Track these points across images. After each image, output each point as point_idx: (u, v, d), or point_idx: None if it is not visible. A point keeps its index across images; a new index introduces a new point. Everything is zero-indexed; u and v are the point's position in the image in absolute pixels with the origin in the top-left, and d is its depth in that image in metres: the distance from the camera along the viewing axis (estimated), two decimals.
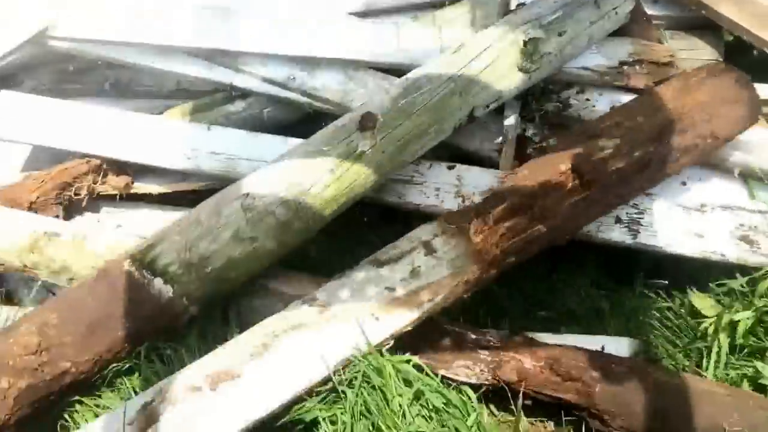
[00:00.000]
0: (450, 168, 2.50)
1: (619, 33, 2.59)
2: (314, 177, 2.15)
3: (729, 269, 2.34)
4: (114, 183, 2.57)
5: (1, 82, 2.75)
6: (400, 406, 1.89)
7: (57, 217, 2.52)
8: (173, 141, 2.51)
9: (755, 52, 2.73)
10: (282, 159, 2.19)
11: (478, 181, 2.45)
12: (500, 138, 2.51)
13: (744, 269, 2.31)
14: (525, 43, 2.32)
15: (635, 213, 2.41)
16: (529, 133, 2.55)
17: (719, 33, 2.80)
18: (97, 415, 1.97)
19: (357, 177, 2.19)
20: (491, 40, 2.35)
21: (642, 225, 2.40)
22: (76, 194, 2.54)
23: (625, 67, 2.53)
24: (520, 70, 2.36)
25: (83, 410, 2.01)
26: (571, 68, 2.52)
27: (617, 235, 2.39)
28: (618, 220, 2.41)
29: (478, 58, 2.32)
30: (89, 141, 2.52)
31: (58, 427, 2.01)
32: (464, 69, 2.29)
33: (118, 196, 2.59)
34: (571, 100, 2.56)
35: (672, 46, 2.65)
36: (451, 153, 2.60)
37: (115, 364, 2.05)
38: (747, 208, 2.40)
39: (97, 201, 2.61)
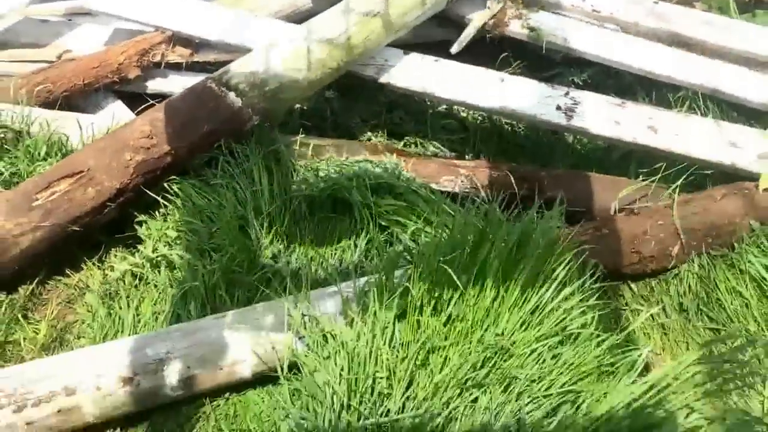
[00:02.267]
0: None
1: None
2: (343, 28, 2.94)
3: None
4: (180, 53, 3.34)
5: None
6: None
7: (137, 77, 3.28)
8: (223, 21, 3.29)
9: None
10: (320, 15, 2.97)
11: None
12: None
13: None
14: None
15: (571, 103, 3.13)
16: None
17: None
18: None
19: (371, 31, 2.99)
20: None
21: (575, 112, 3.11)
22: (152, 60, 3.30)
23: None
24: None
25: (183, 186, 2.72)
26: None
27: (556, 117, 3.10)
28: (558, 108, 3.12)
29: None
30: (163, 16, 3.28)
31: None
32: None
33: (183, 64, 3.34)
34: None
35: None
36: None
37: (200, 155, 2.77)
38: None
39: (165, 69, 3.37)
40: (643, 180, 2.84)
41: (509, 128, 3.55)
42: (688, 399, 1.85)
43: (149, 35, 3.32)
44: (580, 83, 3.45)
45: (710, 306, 2.60)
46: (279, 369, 2.00)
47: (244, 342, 2.12)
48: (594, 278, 2.23)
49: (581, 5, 3.40)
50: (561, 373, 1.90)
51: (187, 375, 2.07)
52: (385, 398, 1.79)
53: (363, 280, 2.19)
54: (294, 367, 2.06)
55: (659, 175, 2.81)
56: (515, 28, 3.32)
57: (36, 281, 2.59)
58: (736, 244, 2.72)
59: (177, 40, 3.34)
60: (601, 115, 3.05)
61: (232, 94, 2.79)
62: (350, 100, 3.60)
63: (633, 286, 2.74)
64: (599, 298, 2.20)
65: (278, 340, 2.08)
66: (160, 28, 3.30)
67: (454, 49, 3.29)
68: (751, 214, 2.76)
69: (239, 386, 2.22)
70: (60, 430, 2.01)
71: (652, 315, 2.57)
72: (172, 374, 2.06)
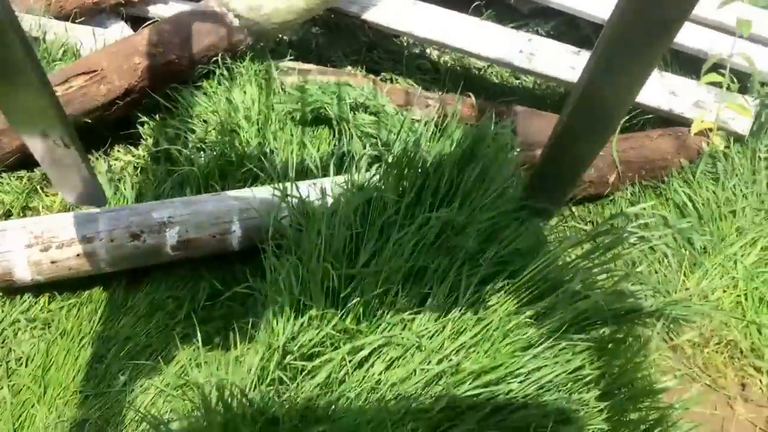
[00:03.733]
0: None
1: None
2: None
3: None
4: None
5: None
6: None
7: (140, 2, 3.62)
8: None
9: None
10: None
11: None
12: None
13: None
14: None
15: (533, 48, 3.54)
16: None
17: None
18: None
19: None
20: None
21: (536, 56, 3.52)
22: None
23: None
24: None
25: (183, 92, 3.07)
26: None
27: (518, 60, 3.51)
28: (521, 51, 3.51)
29: None
30: None
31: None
32: None
33: None
34: None
35: None
36: None
37: (200, 66, 3.12)
38: None
39: None
40: None
41: (477, 71, 3.94)
42: None
43: None
44: (543, 34, 3.84)
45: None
46: (268, 239, 2.34)
47: (234, 215, 2.48)
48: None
49: None
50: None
51: (185, 238, 2.44)
52: (354, 257, 2.17)
53: (340, 177, 2.56)
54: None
55: None
56: None
57: None
58: (666, 178, 3.14)
59: None
60: (559, 61, 3.45)
61: (230, 14, 3.14)
62: (334, 36, 3.97)
63: (573, 208, 3.14)
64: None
65: (264, 215, 2.44)
66: None
67: None
68: (682, 153, 3.19)
69: (228, 257, 2.58)
70: (78, 271, 2.37)
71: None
72: (172, 235, 2.42)
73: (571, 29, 3.98)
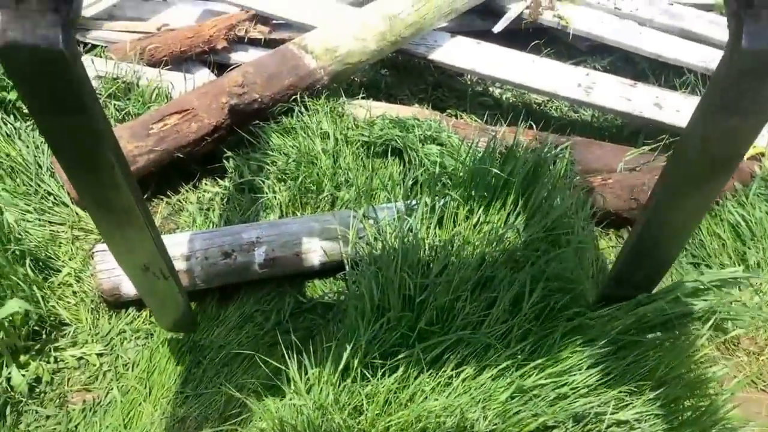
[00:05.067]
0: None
1: None
2: (402, 7, 3.57)
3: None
4: (260, 30, 3.99)
5: None
6: None
7: (224, 48, 3.93)
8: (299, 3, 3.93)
9: None
10: None
11: None
12: None
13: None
14: None
15: (590, 82, 3.76)
16: None
17: None
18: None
19: (428, 11, 3.62)
20: None
21: (593, 89, 3.75)
22: (237, 34, 3.96)
23: None
24: None
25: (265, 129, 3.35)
26: None
27: (576, 93, 3.74)
28: (578, 85, 3.75)
29: None
30: None
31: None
32: None
33: (262, 40, 3.99)
34: None
35: None
36: None
37: (280, 104, 3.40)
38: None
39: (246, 44, 4.02)
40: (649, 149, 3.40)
41: (537, 106, 4.15)
42: None
43: (236, 14, 3.96)
44: (600, 69, 4.04)
45: (694, 245, 3.15)
46: (345, 261, 2.55)
47: (316, 236, 2.72)
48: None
49: (606, 3, 4.01)
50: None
51: (271, 256, 2.68)
52: (427, 268, 2.38)
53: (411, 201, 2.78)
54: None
55: (662, 144, 3.36)
56: (547, 17, 3.93)
57: (144, 197, 3.20)
58: (720, 200, 3.26)
59: (259, 18, 3.97)
60: (614, 93, 3.63)
61: (308, 56, 3.42)
62: (401, 76, 4.23)
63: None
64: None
65: (344, 235, 2.67)
66: (245, 7, 3.94)
67: (496, 28, 3.91)
68: (736, 177, 3.32)
69: (310, 275, 2.81)
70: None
71: None
72: (260, 254, 2.67)
73: (627, 64, 4.19)
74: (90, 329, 2.61)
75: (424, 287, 2.29)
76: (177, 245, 2.60)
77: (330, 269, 2.76)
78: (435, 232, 2.56)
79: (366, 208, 2.69)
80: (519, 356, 2.12)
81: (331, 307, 2.63)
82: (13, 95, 3.35)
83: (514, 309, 2.29)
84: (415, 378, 2.10)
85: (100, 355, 2.55)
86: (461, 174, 2.69)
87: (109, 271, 2.57)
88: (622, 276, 2.21)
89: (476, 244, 2.44)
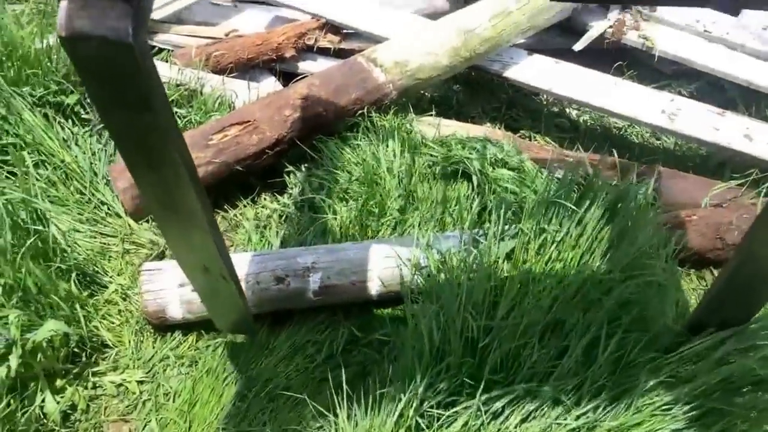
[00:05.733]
0: None
1: None
2: (479, 22, 3.39)
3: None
4: (330, 39, 3.85)
5: None
6: None
7: (292, 57, 3.81)
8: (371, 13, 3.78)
9: None
10: (464, 9, 3.44)
11: None
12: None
13: None
14: None
15: (675, 108, 3.50)
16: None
17: None
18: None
19: (505, 27, 3.43)
20: None
21: (678, 117, 3.48)
22: (306, 43, 3.83)
23: None
24: None
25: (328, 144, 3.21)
26: None
27: (659, 120, 3.48)
28: (662, 111, 3.48)
29: None
30: (320, 6, 3.80)
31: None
32: None
33: (331, 50, 3.86)
34: None
35: None
36: None
37: (345, 119, 3.25)
38: None
39: (315, 53, 3.89)
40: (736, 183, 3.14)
41: (616, 131, 3.90)
42: None
43: (306, 21, 3.83)
44: (686, 94, 3.77)
45: None
46: (405, 294, 2.37)
47: (375, 265, 2.55)
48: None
49: (695, 25, 3.73)
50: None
51: (326, 284, 2.53)
52: (493, 308, 2.18)
53: (479, 231, 2.59)
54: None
55: (750, 178, 3.09)
56: (632, 38, 3.68)
57: None
58: None
59: (329, 27, 3.83)
60: (701, 121, 3.38)
61: (377, 69, 3.27)
62: (473, 93, 4.04)
63: (714, 272, 3.02)
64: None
65: (404, 265, 2.50)
66: (316, 15, 3.80)
67: (577, 46, 3.68)
68: None
69: (365, 305, 2.65)
70: None
71: None
72: (315, 281, 2.52)
73: (715, 90, 3.89)
74: (132, 353, 2.50)
75: (488, 330, 2.10)
76: None
77: (388, 299, 2.58)
78: (503, 267, 2.36)
79: (429, 236, 2.51)
80: (590, 416, 1.91)
81: (388, 341, 2.44)
82: (72, 99, 3.28)
83: (587, 359, 2.07)
84: None
85: (140, 382, 2.44)
86: (534, 205, 2.48)
87: (156, 292, 2.46)
88: (707, 318, 2.06)
89: (547, 282, 2.23)
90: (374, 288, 2.57)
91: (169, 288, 2.48)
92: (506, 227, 2.42)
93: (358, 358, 2.50)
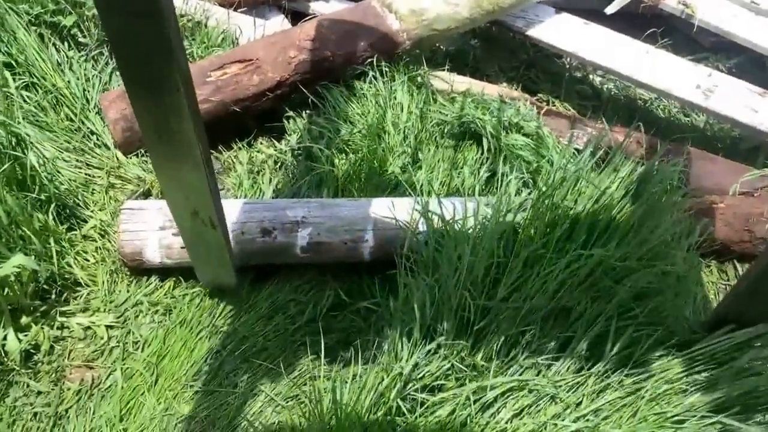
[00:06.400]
0: None
1: None
2: None
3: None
4: None
5: None
6: None
7: None
8: None
9: None
10: None
11: None
12: None
13: None
14: None
15: (712, 84, 3.23)
16: None
17: None
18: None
19: None
20: None
21: (714, 93, 3.22)
22: None
23: None
24: None
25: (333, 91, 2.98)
26: None
27: (693, 95, 3.21)
28: (697, 86, 3.22)
29: None
30: None
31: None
32: None
33: None
34: None
35: None
36: None
37: (353, 66, 3.01)
38: None
39: None
40: None
41: (642, 103, 3.66)
42: None
43: None
44: (724, 70, 3.51)
45: None
46: (402, 254, 2.16)
47: (369, 224, 2.35)
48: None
49: None
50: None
51: (315, 240, 2.33)
52: (492, 287, 1.98)
53: (487, 198, 2.37)
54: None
55: None
56: (670, 3, 3.43)
57: None
58: None
59: None
60: (739, 101, 3.13)
61: (392, 16, 3.02)
62: (492, 50, 3.79)
63: (738, 266, 2.80)
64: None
65: (402, 229, 2.29)
66: None
67: (610, 9, 3.42)
68: None
69: (356, 267, 2.45)
70: None
71: None
72: (303, 236, 2.32)
73: (756, 68, 3.63)
74: (105, 296, 2.32)
75: (486, 311, 1.90)
76: None
77: (381, 263, 2.37)
78: (509, 244, 2.14)
79: (432, 199, 2.30)
80: (590, 420, 1.72)
81: (376, 310, 2.25)
82: (69, 20, 3.05)
83: (592, 354, 1.88)
84: (463, 425, 1.72)
85: (110, 327, 2.26)
86: (549, 177, 2.26)
87: (134, 233, 2.27)
88: (733, 316, 1.88)
89: (555, 265, 2.02)
90: (367, 250, 2.39)
91: (149, 230, 2.29)
92: (517, 197, 2.20)
93: (342, 324, 2.32)
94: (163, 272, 2.39)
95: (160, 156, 1.61)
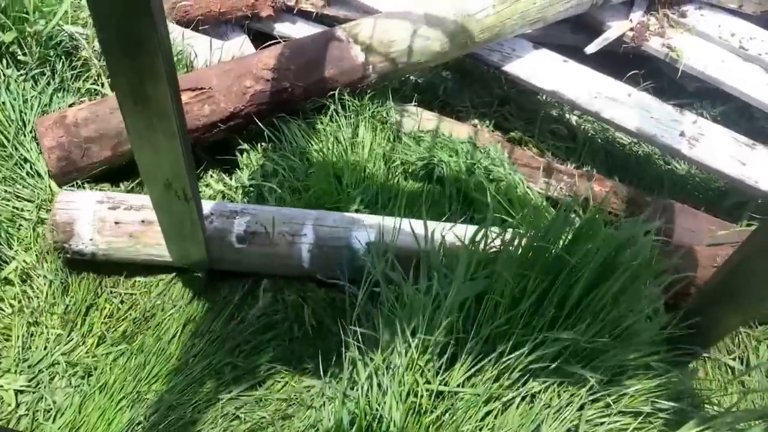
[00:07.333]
0: None
1: None
2: (482, 6, 2.92)
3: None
4: (313, 1, 3.38)
5: None
6: None
7: (269, 16, 3.33)
8: None
9: None
10: None
11: None
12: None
13: None
14: None
15: (697, 133, 3.04)
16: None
17: None
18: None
19: (510, 15, 2.96)
20: None
21: (699, 143, 3.02)
22: (286, 3, 3.35)
23: None
24: None
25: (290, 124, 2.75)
26: None
27: (677, 143, 3.02)
28: (682, 134, 3.03)
29: None
30: None
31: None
32: None
33: (313, 14, 3.38)
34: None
35: None
36: None
37: (313, 99, 2.79)
38: None
39: (295, 15, 3.41)
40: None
41: (620, 147, 3.47)
42: None
43: None
44: (708, 117, 3.33)
45: None
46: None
47: (308, 222, 2.29)
48: None
49: (729, 40, 3.28)
50: None
51: (252, 230, 2.25)
52: (449, 366, 1.76)
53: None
54: None
55: None
56: (654, 45, 3.23)
57: (137, 182, 2.64)
58: None
59: None
60: (726, 152, 2.96)
61: (357, 47, 2.80)
62: (464, 84, 3.58)
63: None
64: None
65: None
66: None
67: (590, 48, 3.24)
68: None
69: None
70: (137, 244, 2.25)
71: None
72: (239, 224, 2.26)
73: (742, 118, 3.43)
74: (18, 353, 2.06)
75: (439, 395, 1.67)
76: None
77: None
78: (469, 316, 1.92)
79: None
80: None
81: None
82: (9, 37, 2.78)
83: None
84: None
85: (20, 391, 2.00)
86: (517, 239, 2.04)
87: (70, 202, 2.25)
88: None
89: (523, 350, 1.80)
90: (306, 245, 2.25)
91: (86, 200, 2.27)
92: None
93: (282, 396, 2.08)
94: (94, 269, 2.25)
95: (135, 122, 1.58)
